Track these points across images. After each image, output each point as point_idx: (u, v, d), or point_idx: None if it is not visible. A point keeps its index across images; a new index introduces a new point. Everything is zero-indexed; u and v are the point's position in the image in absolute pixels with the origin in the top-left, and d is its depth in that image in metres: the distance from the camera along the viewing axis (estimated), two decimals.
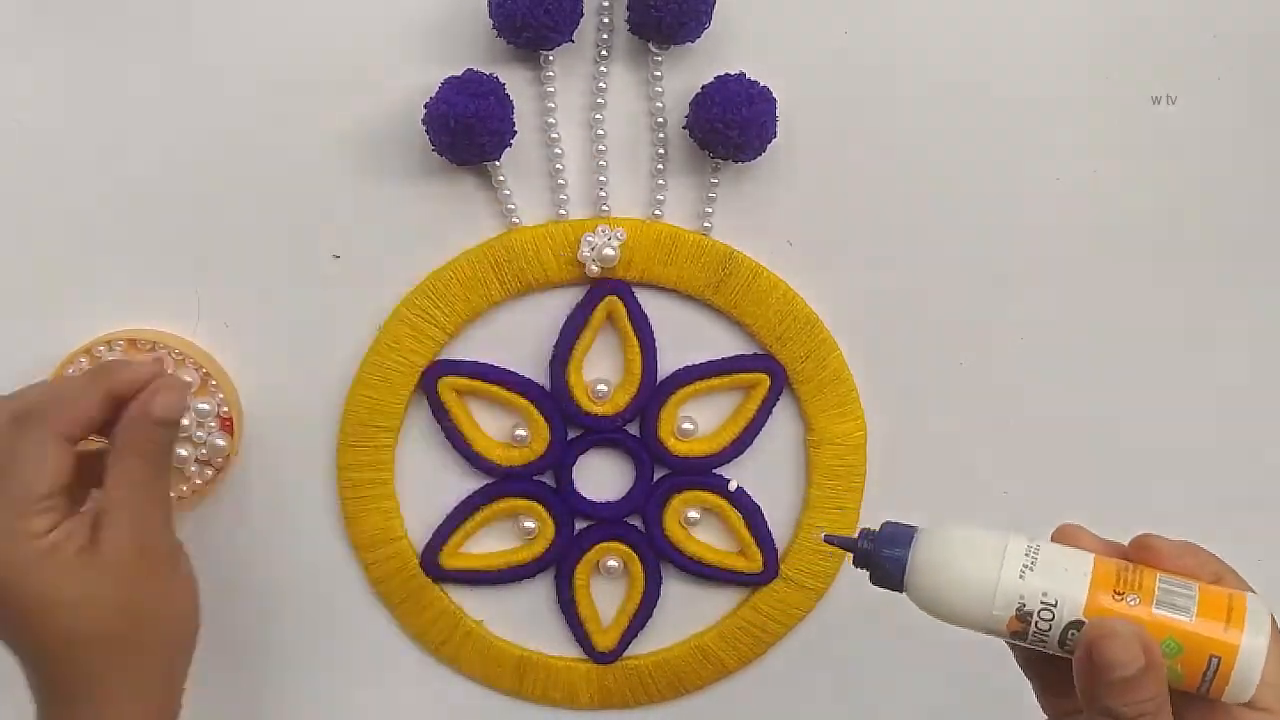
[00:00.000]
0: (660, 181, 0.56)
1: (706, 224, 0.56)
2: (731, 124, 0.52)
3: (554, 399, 0.57)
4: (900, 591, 0.43)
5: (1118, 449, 0.61)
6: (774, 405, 0.58)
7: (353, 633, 0.61)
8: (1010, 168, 0.57)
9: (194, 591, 0.50)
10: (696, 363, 0.58)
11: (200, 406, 0.56)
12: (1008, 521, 0.43)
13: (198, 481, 0.57)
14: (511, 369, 0.58)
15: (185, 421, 0.56)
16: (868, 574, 0.43)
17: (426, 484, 0.59)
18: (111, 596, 0.46)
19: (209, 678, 0.62)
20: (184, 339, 0.56)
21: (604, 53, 0.54)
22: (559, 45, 0.53)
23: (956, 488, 0.60)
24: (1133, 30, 0.56)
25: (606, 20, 0.54)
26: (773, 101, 0.53)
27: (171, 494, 0.57)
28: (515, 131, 0.54)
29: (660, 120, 0.55)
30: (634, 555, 0.60)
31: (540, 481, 0.59)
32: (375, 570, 0.60)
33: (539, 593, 0.61)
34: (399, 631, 0.61)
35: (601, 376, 0.58)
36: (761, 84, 0.53)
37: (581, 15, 0.52)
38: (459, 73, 0.52)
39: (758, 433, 0.59)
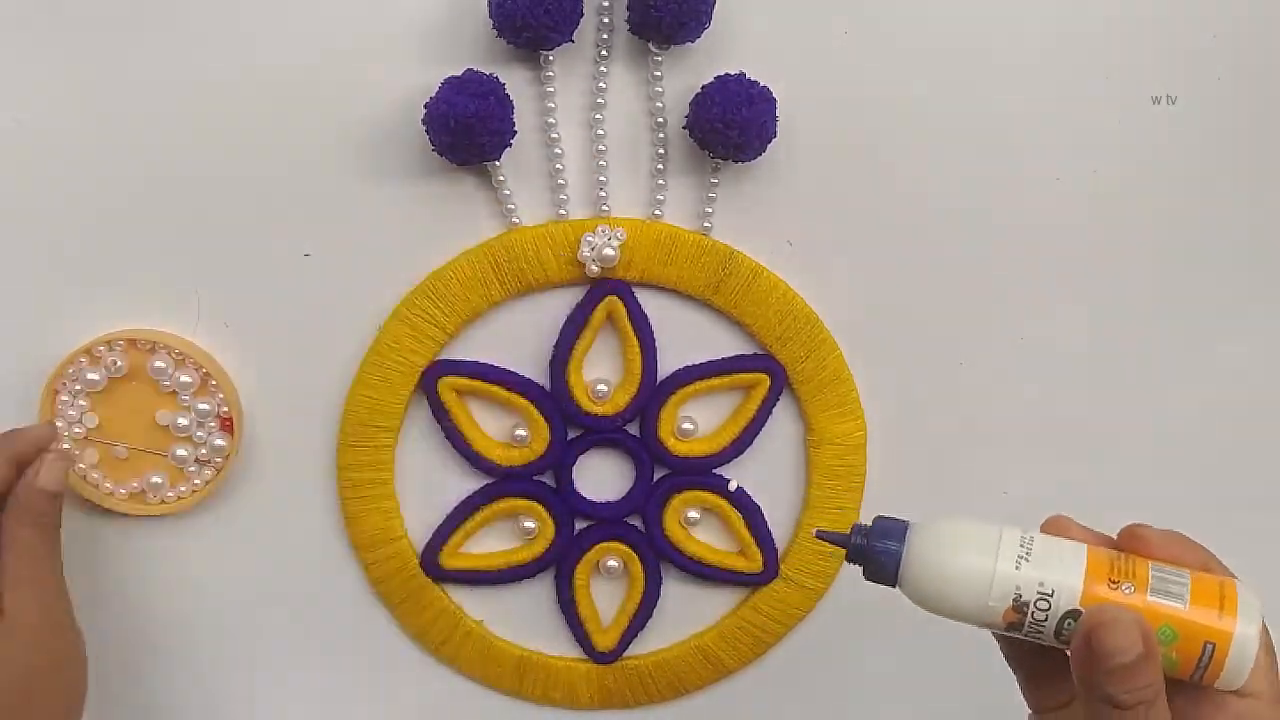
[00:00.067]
0: (660, 181, 0.56)
1: (706, 224, 0.56)
2: (731, 124, 0.52)
3: (554, 399, 0.57)
4: (894, 586, 0.42)
5: (1118, 449, 0.61)
6: (774, 405, 0.58)
7: (353, 633, 0.61)
8: (1010, 168, 0.57)
9: (84, 660, 0.50)
10: (696, 363, 0.58)
11: (200, 406, 0.56)
12: (1007, 521, 0.43)
13: (197, 481, 0.58)
14: (511, 369, 0.58)
15: (184, 422, 0.56)
16: (861, 570, 0.43)
17: (426, 484, 0.59)
18: (18, 661, 0.47)
19: (208, 677, 0.62)
20: (184, 339, 0.57)
21: (604, 53, 0.54)
22: (559, 45, 0.53)
23: (956, 488, 0.60)
24: (1132, 30, 0.56)
25: (606, 20, 0.54)
26: (773, 101, 0.53)
27: (172, 495, 0.57)
28: (515, 131, 0.54)
29: (660, 120, 0.55)
30: (634, 555, 0.60)
31: (540, 481, 0.59)
32: (375, 570, 0.60)
33: (539, 593, 0.61)
34: (399, 631, 0.61)
35: (601, 376, 0.58)
36: (761, 84, 0.53)
37: (581, 15, 0.52)
38: (459, 73, 0.52)
39: (758, 433, 0.59)
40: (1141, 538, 0.41)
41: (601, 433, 0.58)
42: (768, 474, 0.60)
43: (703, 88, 0.53)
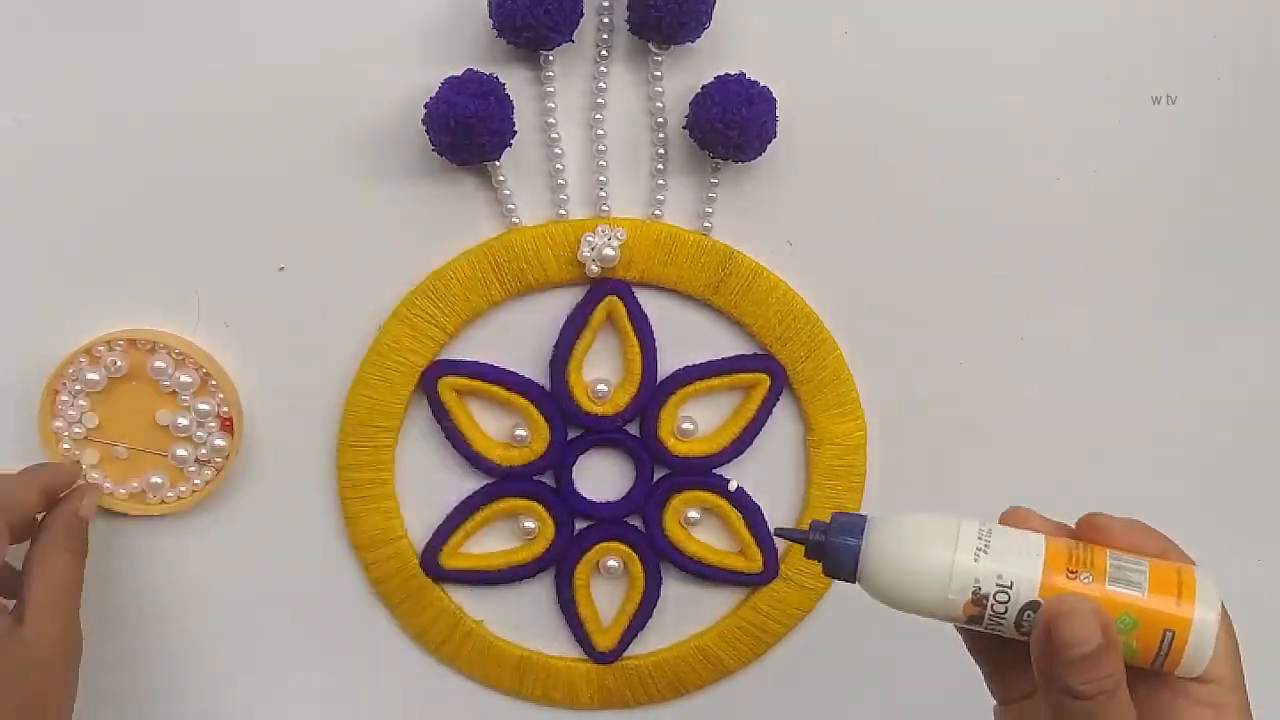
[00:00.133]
0: (660, 181, 0.56)
1: (706, 224, 0.56)
2: (731, 124, 0.52)
3: (554, 399, 0.57)
4: (853, 582, 0.42)
5: (1118, 449, 0.61)
6: (774, 405, 0.58)
7: (353, 633, 0.61)
8: (1010, 168, 0.57)
9: (75, 685, 0.51)
10: (696, 363, 0.58)
11: (200, 406, 0.56)
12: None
13: (197, 482, 0.58)
14: (511, 369, 0.58)
15: (184, 421, 0.56)
16: (821, 566, 0.43)
17: (426, 484, 0.59)
18: (33, 677, 0.48)
19: (208, 677, 0.62)
20: (184, 339, 0.57)
21: (604, 53, 0.54)
22: (559, 45, 0.53)
23: (956, 488, 0.60)
24: (1132, 30, 0.56)
25: (606, 20, 0.54)
26: (773, 101, 0.53)
27: (172, 495, 0.57)
28: (515, 131, 0.54)
29: (660, 120, 0.55)
30: (634, 555, 0.60)
31: (540, 481, 0.59)
32: (375, 570, 0.60)
33: (539, 593, 0.61)
34: (399, 631, 0.61)
35: (601, 376, 0.58)
36: (761, 84, 0.53)
37: (581, 15, 0.52)
38: (459, 73, 0.52)
39: (758, 433, 0.59)
40: (1100, 526, 0.41)
41: (601, 433, 0.58)
42: (768, 474, 0.60)
43: (703, 88, 0.53)
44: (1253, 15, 0.56)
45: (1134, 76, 0.56)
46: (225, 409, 0.57)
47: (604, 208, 0.56)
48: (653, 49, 0.54)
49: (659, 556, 0.60)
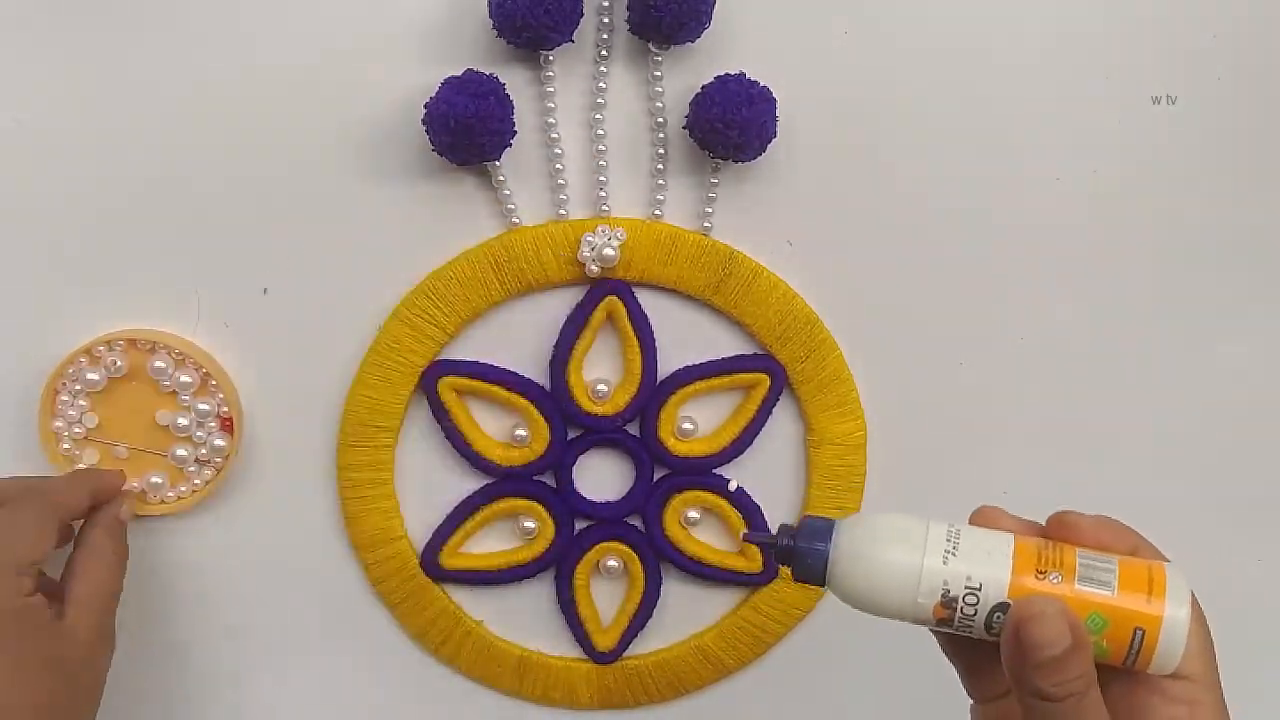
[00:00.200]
0: (660, 181, 0.56)
1: (706, 224, 0.56)
2: (731, 124, 0.52)
3: (554, 399, 0.57)
4: (823, 586, 0.42)
5: (1118, 449, 0.61)
6: (774, 405, 0.58)
7: (353, 633, 0.61)
8: (1010, 168, 0.57)
9: (104, 683, 0.52)
10: (696, 363, 0.58)
11: (200, 407, 0.56)
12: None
13: (197, 482, 0.58)
14: (511, 369, 0.58)
15: (184, 421, 0.56)
16: (790, 572, 0.42)
17: (426, 484, 0.59)
18: (66, 670, 0.49)
19: (208, 676, 0.62)
20: (184, 339, 0.57)
21: (604, 53, 0.54)
22: (559, 45, 0.53)
23: (956, 487, 0.60)
24: (1132, 30, 0.56)
25: (606, 20, 0.54)
26: (773, 101, 0.53)
27: (172, 495, 0.58)
28: (515, 131, 0.54)
29: (660, 120, 0.55)
30: (634, 555, 0.60)
31: (540, 481, 0.59)
32: (375, 570, 0.60)
33: (539, 593, 0.61)
34: (399, 631, 0.61)
35: (601, 376, 0.58)
36: (761, 84, 0.53)
37: (581, 15, 0.52)
38: (459, 73, 0.52)
39: (758, 433, 0.59)
40: (1070, 524, 0.41)
41: (601, 433, 0.58)
42: (768, 474, 0.60)
43: (703, 88, 0.53)
44: (1253, 15, 0.56)
45: (1134, 76, 0.56)
46: (225, 409, 0.57)
47: (604, 208, 0.56)
48: (653, 49, 0.54)
49: (659, 556, 0.60)
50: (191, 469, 0.57)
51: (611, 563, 0.60)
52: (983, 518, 0.42)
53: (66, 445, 0.56)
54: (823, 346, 0.58)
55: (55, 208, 0.55)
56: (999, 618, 0.39)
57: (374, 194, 0.55)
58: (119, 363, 0.55)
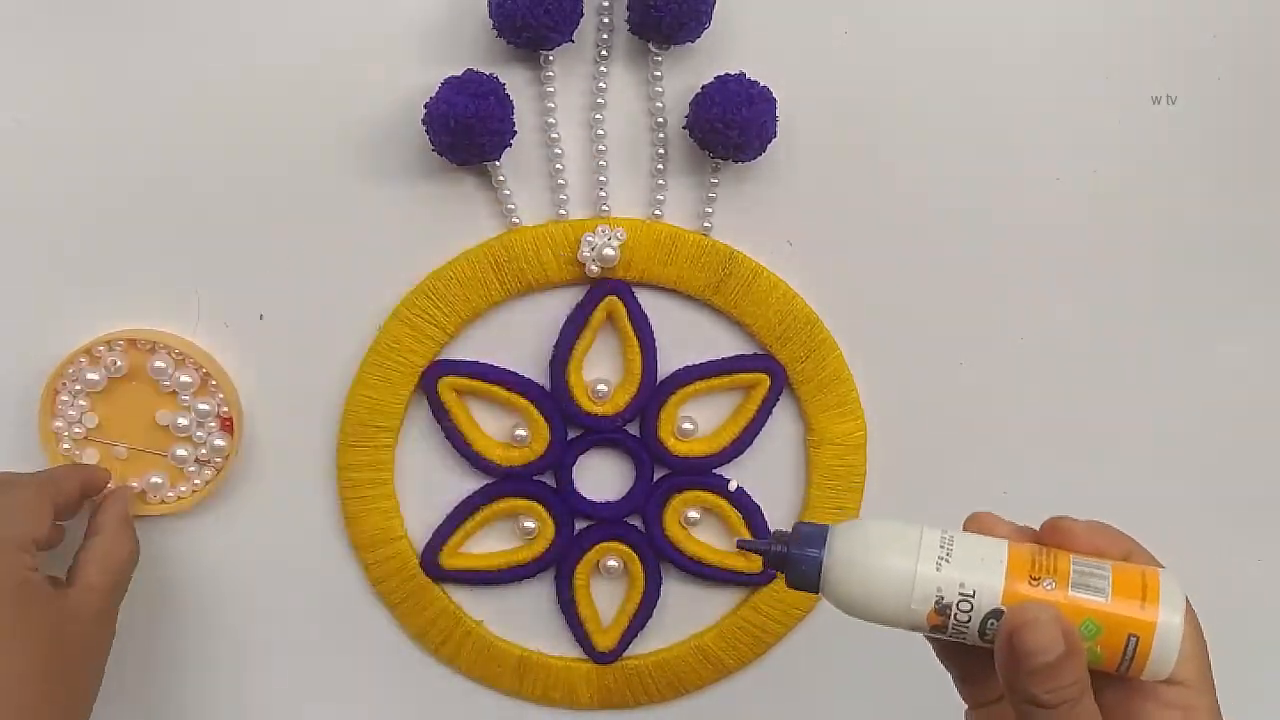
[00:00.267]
0: (660, 181, 0.56)
1: (706, 224, 0.56)
2: (731, 124, 0.52)
3: (554, 399, 0.57)
4: (816, 593, 0.42)
5: (1118, 449, 0.61)
6: (774, 405, 0.58)
7: (353, 633, 0.61)
8: (1010, 168, 0.57)
9: (102, 672, 0.53)
10: (696, 363, 0.58)
11: (200, 406, 0.56)
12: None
13: (197, 482, 0.58)
14: (511, 369, 0.58)
15: (184, 421, 0.56)
16: (783, 577, 0.42)
17: (426, 484, 0.59)
18: (68, 645, 0.49)
19: (208, 676, 0.62)
20: (184, 339, 0.57)
21: (604, 53, 0.54)
22: (559, 45, 0.53)
23: (956, 488, 0.60)
24: (1132, 30, 0.56)
25: (606, 20, 0.54)
26: (773, 101, 0.53)
27: (172, 495, 0.58)
28: (515, 131, 0.54)
29: (660, 120, 0.55)
30: (634, 555, 0.60)
31: (540, 481, 0.59)
32: (375, 570, 0.60)
33: (539, 593, 0.61)
34: (399, 631, 0.61)
35: (601, 376, 0.58)
36: (761, 84, 0.53)
37: (581, 15, 0.52)
38: (459, 73, 0.52)
39: (758, 433, 0.59)
40: (1064, 530, 0.41)
41: (601, 433, 0.58)
42: (768, 474, 0.60)
43: (703, 88, 0.53)
44: (1253, 15, 0.56)
45: (1134, 76, 0.56)
46: (225, 409, 0.57)
47: (604, 208, 0.56)
48: (653, 49, 0.54)
49: (659, 556, 0.60)
50: (191, 469, 0.57)
51: (611, 563, 0.60)
52: (976, 523, 0.42)
53: (66, 445, 0.56)
54: (823, 346, 0.58)
55: (55, 208, 0.55)
56: (993, 624, 0.39)
57: (374, 194, 0.55)
58: (119, 363, 0.55)
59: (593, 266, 0.55)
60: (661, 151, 0.55)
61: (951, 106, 0.56)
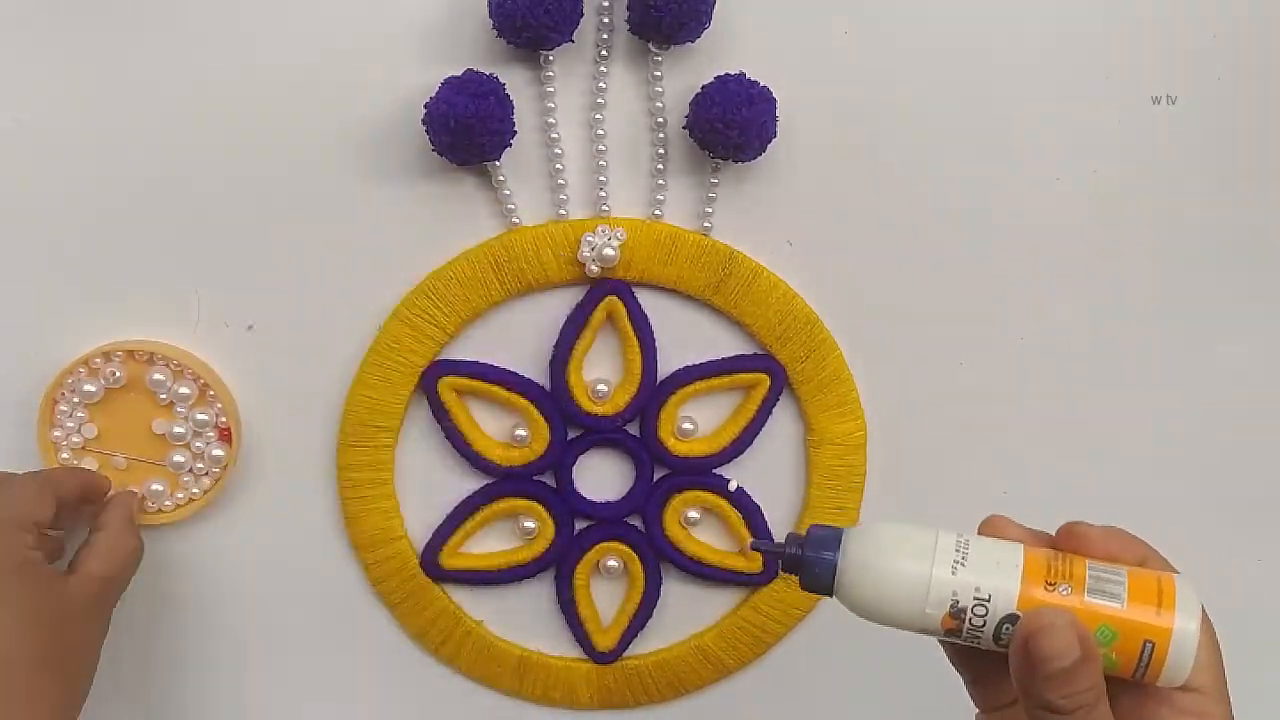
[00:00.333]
0: (660, 181, 0.56)
1: (706, 224, 0.56)
2: (731, 124, 0.52)
3: (554, 399, 0.57)
4: (831, 595, 0.42)
5: (1118, 449, 0.61)
6: (774, 405, 0.58)
7: (353, 633, 0.61)
8: (1010, 168, 0.57)
9: (96, 663, 0.53)
10: (696, 363, 0.58)
11: (198, 417, 0.56)
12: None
13: (195, 491, 0.58)
14: (511, 369, 0.58)
15: (181, 430, 0.56)
16: (798, 580, 0.42)
17: (426, 484, 0.59)
18: (66, 633, 0.49)
19: (208, 677, 0.62)
20: (182, 349, 0.56)
21: (604, 53, 0.54)
22: (559, 45, 0.53)
23: (956, 488, 0.60)
24: (1132, 30, 0.56)
25: (606, 20, 0.54)
26: (773, 101, 0.53)
27: (170, 504, 0.58)
28: (515, 131, 0.54)
29: (660, 120, 0.55)
30: (634, 555, 0.60)
31: (540, 481, 0.59)
32: (375, 570, 0.60)
33: (539, 593, 0.61)
34: (399, 631, 0.61)
35: (601, 376, 0.58)
36: (761, 84, 0.53)
37: (581, 15, 0.52)
38: (459, 73, 0.52)
39: (758, 433, 0.59)
40: (1079, 535, 0.41)
41: (601, 433, 0.58)
42: (768, 474, 0.60)
43: (703, 88, 0.53)
44: (1253, 15, 0.56)
45: (1134, 76, 0.56)
46: (223, 419, 0.57)
47: (604, 208, 0.56)
48: (653, 49, 0.54)
49: (659, 556, 0.60)
50: (188, 478, 0.57)
51: (611, 563, 0.60)
52: (991, 527, 0.42)
53: (65, 455, 0.57)
54: (823, 346, 0.58)
55: (55, 208, 0.55)
56: (1008, 629, 0.39)
57: (374, 194, 0.55)
58: (117, 374, 0.55)
59: (593, 266, 0.55)
60: (661, 151, 0.55)
61: (951, 106, 0.56)
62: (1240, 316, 0.60)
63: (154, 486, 0.57)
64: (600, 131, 0.55)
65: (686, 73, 0.54)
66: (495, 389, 0.57)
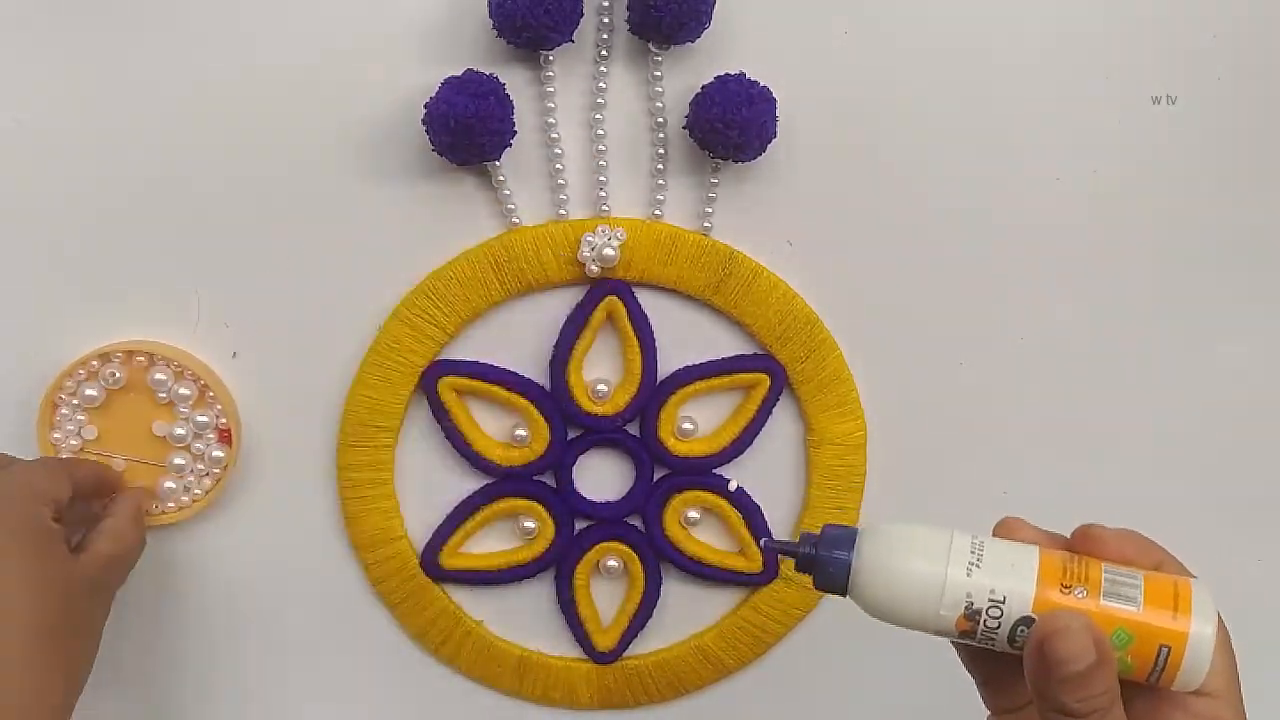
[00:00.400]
0: (660, 181, 0.56)
1: (706, 224, 0.56)
2: (731, 124, 0.52)
3: (554, 399, 0.57)
4: (844, 595, 0.42)
5: (1118, 449, 0.61)
6: (774, 405, 0.58)
7: (353, 633, 0.61)
8: (1010, 168, 0.57)
9: (93, 655, 0.53)
10: (696, 363, 0.58)
11: (199, 419, 0.56)
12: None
13: (197, 492, 0.58)
14: (511, 369, 0.58)
15: (182, 432, 0.56)
16: (811, 580, 0.42)
17: (426, 484, 0.59)
18: (74, 607, 0.50)
19: (209, 678, 0.62)
20: (182, 350, 0.56)
21: (604, 53, 0.54)
22: (559, 45, 0.53)
23: (956, 488, 0.60)
24: (1132, 30, 0.56)
25: (606, 20, 0.54)
26: (773, 101, 0.53)
27: (172, 506, 0.57)
28: (515, 131, 0.54)
29: (660, 120, 0.55)
30: (634, 555, 0.60)
31: (540, 481, 0.59)
32: (375, 570, 0.60)
33: (539, 593, 0.61)
34: (399, 631, 0.61)
35: (601, 376, 0.58)
36: (761, 84, 0.53)
37: (581, 15, 0.52)
38: (459, 73, 0.52)
39: (758, 433, 0.59)
40: (1095, 538, 0.41)
41: (601, 433, 0.58)
42: (768, 474, 0.60)
43: (703, 88, 0.53)
44: (1253, 15, 0.56)
45: (1134, 76, 0.56)
46: (223, 420, 0.57)
47: (604, 208, 0.56)
48: (653, 49, 0.54)
49: (659, 556, 0.60)
50: (190, 480, 0.57)
51: (611, 563, 0.60)
52: (1006, 529, 0.42)
53: (65, 457, 0.56)
54: (823, 346, 0.58)
55: (55, 208, 0.55)
56: (1023, 631, 0.39)
57: (374, 194, 0.55)
58: (117, 374, 0.55)
59: (593, 266, 0.55)
60: (661, 151, 0.55)
61: (951, 106, 0.56)
62: (1240, 316, 0.60)
63: (167, 485, 0.57)
64: (600, 131, 0.55)
65: (686, 73, 0.54)
66: (495, 389, 0.57)
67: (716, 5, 0.52)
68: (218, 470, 0.57)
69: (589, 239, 0.55)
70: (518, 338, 0.58)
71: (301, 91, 0.54)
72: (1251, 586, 0.63)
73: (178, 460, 0.57)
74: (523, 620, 0.62)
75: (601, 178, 0.56)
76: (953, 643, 0.43)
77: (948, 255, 0.58)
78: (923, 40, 0.55)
